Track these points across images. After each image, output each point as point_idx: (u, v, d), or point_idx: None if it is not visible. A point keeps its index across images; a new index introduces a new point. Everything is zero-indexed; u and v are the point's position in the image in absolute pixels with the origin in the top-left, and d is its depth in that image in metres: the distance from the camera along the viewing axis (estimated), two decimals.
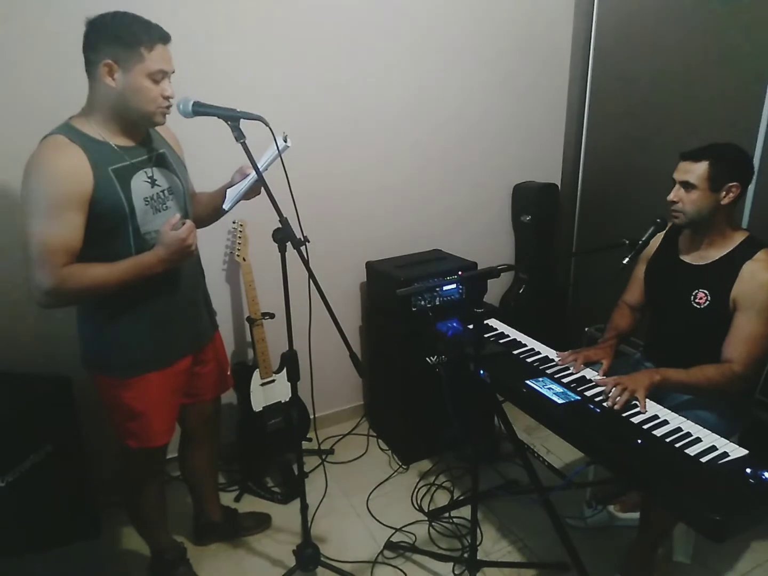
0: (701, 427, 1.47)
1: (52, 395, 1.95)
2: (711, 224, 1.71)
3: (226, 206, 1.60)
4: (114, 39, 1.36)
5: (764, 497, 1.25)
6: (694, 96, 2.40)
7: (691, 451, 1.38)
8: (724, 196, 1.66)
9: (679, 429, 1.47)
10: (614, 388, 1.59)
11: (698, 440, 1.42)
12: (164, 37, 1.41)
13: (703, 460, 1.35)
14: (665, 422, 1.50)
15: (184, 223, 1.48)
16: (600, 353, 1.84)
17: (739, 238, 1.72)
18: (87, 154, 1.39)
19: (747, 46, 2.17)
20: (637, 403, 1.57)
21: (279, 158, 1.52)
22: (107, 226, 1.44)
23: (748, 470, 1.30)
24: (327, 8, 2.31)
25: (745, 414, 1.83)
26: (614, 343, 1.92)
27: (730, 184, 1.64)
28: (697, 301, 1.74)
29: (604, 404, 1.58)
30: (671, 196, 1.71)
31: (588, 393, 1.65)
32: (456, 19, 2.60)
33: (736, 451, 1.37)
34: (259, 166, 1.48)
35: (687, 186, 1.67)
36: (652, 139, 2.61)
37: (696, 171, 1.65)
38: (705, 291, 1.73)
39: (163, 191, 1.55)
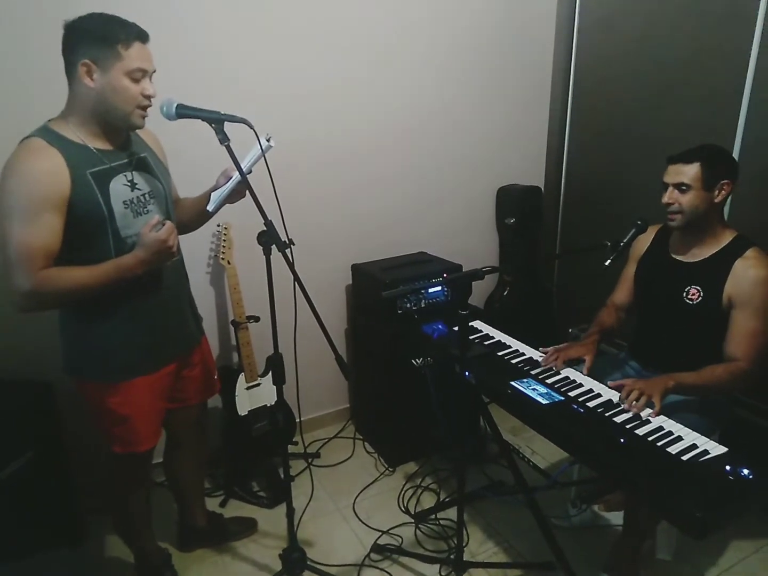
0: (682, 426, 1.49)
1: (34, 401, 1.92)
2: (704, 222, 1.76)
3: (209, 208, 1.59)
4: (91, 38, 1.35)
5: (743, 493, 1.27)
6: (675, 98, 2.44)
7: (673, 449, 1.40)
8: (717, 194, 1.71)
9: (660, 428, 1.49)
10: (632, 393, 1.58)
11: (679, 438, 1.44)
12: (142, 35, 1.41)
13: (684, 458, 1.37)
14: (647, 421, 1.52)
15: (163, 224, 1.47)
16: (582, 349, 1.85)
17: (729, 236, 1.77)
18: (65, 156, 1.38)
19: (725, 46, 2.21)
20: (624, 405, 1.59)
21: (264, 160, 1.52)
22: (86, 229, 1.43)
23: (728, 467, 1.32)
24: (313, 8, 2.32)
25: (726, 413, 1.86)
26: (597, 339, 1.94)
27: (722, 182, 1.70)
28: (689, 297, 1.78)
29: (623, 406, 1.58)
30: (666, 199, 1.74)
31: (572, 393, 1.66)
32: (438, 24, 2.61)
33: (716, 449, 1.39)
34: (242, 168, 1.48)
35: (681, 187, 1.71)
36: (635, 141, 2.64)
37: (689, 172, 1.69)
38: (697, 287, 1.76)
39: (143, 195, 1.54)
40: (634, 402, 1.56)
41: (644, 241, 1.96)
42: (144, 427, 1.67)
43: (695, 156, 1.70)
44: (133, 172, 1.53)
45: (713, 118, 2.29)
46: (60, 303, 1.52)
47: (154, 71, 1.46)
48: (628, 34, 2.60)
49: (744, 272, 1.68)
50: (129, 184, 1.50)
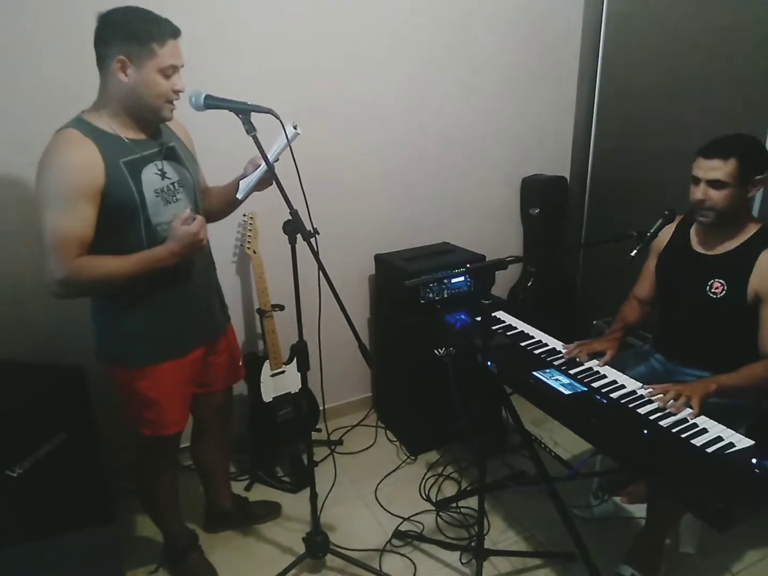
0: (707, 418, 1.48)
1: (66, 385, 1.98)
2: (733, 217, 1.72)
3: (239, 196, 1.63)
4: (127, 35, 1.38)
5: None
6: (704, 88, 2.38)
7: (698, 441, 1.39)
8: (751, 189, 1.66)
9: (685, 420, 1.47)
10: (669, 393, 1.55)
11: (704, 431, 1.43)
12: (175, 33, 1.43)
13: (709, 450, 1.36)
14: (671, 413, 1.50)
15: (194, 218, 1.51)
16: (605, 344, 1.84)
17: (753, 228, 1.73)
18: (99, 147, 1.42)
19: (755, 35, 2.16)
20: (644, 394, 1.57)
21: (290, 150, 1.53)
22: (119, 217, 1.47)
23: (754, 460, 1.31)
24: (342, 6, 2.33)
25: (753, 406, 1.83)
26: (620, 336, 1.93)
27: (757, 177, 1.65)
28: (713, 291, 1.74)
29: (658, 404, 1.55)
30: (699, 195, 1.68)
31: (595, 384, 1.66)
32: (464, 10, 2.59)
33: (742, 442, 1.38)
34: (269, 156, 1.50)
35: (716, 184, 1.65)
36: (662, 131, 2.59)
37: (725, 168, 1.63)
38: (721, 281, 1.73)
39: (173, 183, 1.57)
40: (671, 402, 1.52)
41: (665, 234, 1.91)
42: (172, 411, 1.72)
43: (732, 151, 1.63)
44: (163, 161, 1.56)
45: (743, 108, 2.23)
46: (93, 290, 1.57)
47: (183, 66, 1.48)
48: (656, 22, 2.55)
49: None
50: (159, 172, 1.54)
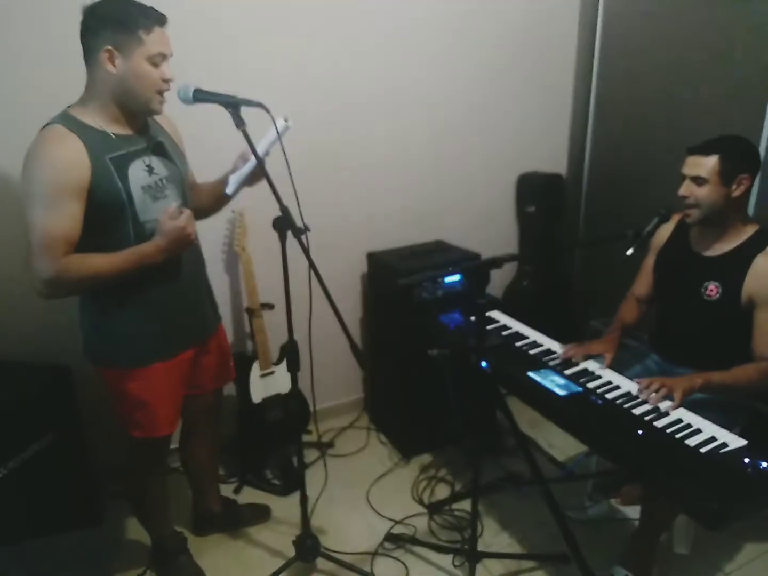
0: (702, 419, 1.47)
1: (54, 385, 1.96)
2: (723, 217, 1.71)
3: (228, 191, 1.60)
4: (113, 24, 1.36)
5: (762, 487, 1.26)
6: (701, 86, 2.38)
7: (691, 441, 1.39)
8: (735, 189, 1.66)
9: (679, 420, 1.48)
10: (652, 385, 1.56)
11: (698, 431, 1.43)
12: (161, 19, 1.41)
13: (703, 450, 1.36)
14: (666, 414, 1.50)
15: (182, 212, 1.48)
16: (603, 346, 1.84)
17: (750, 230, 1.72)
18: (84, 143, 1.39)
19: (753, 35, 2.15)
20: (642, 396, 1.57)
21: (280, 145, 1.51)
22: (106, 214, 1.45)
23: (747, 460, 1.31)
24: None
25: (746, 407, 1.82)
26: (618, 336, 1.92)
27: (741, 176, 1.65)
28: (707, 293, 1.74)
29: (640, 396, 1.56)
30: (682, 192, 1.70)
31: (590, 385, 1.65)
32: (459, 5, 2.58)
33: (736, 442, 1.38)
34: (259, 151, 1.48)
35: (698, 180, 1.67)
36: (659, 129, 2.59)
37: (706, 165, 1.64)
38: (716, 283, 1.73)
39: (161, 179, 1.55)
40: (653, 394, 1.54)
41: (665, 232, 1.92)
42: (163, 413, 1.69)
43: (714, 148, 1.65)
44: (151, 157, 1.54)
45: (740, 108, 2.23)
46: (81, 289, 1.54)
47: (171, 55, 1.46)
48: (652, 20, 2.54)
49: (765, 269, 1.64)
50: (147, 168, 1.51)
